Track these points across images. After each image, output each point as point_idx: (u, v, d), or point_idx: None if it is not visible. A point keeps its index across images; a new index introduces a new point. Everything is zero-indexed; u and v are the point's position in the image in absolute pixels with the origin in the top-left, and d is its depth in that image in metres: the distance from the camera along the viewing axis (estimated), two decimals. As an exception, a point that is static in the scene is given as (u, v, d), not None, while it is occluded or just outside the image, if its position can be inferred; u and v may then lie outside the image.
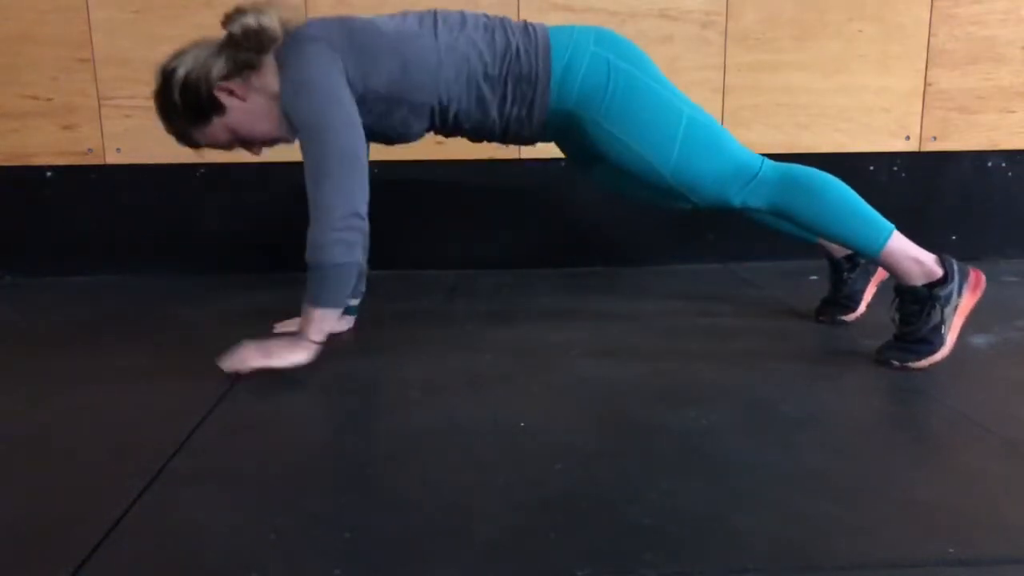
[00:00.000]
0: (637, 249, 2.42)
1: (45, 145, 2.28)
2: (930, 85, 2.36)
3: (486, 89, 1.47)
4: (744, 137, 2.32)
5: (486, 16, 1.51)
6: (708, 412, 1.24)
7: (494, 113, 1.50)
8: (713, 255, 2.44)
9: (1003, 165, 2.42)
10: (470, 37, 1.46)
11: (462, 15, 1.50)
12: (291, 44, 1.40)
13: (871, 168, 2.39)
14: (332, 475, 1.05)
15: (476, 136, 1.57)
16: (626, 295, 2.06)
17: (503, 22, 1.51)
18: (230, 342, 1.66)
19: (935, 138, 2.39)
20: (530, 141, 1.60)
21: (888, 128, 2.38)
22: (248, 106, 1.44)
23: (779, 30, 2.31)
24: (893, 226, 1.45)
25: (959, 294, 1.42)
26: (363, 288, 1.75)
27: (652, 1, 2.28)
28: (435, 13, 1.49)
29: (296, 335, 1.42)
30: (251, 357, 1.40)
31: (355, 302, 1.73)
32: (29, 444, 1.17)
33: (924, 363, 1.42)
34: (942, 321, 1.41)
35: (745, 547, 0.86)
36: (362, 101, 1.42)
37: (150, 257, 2.36)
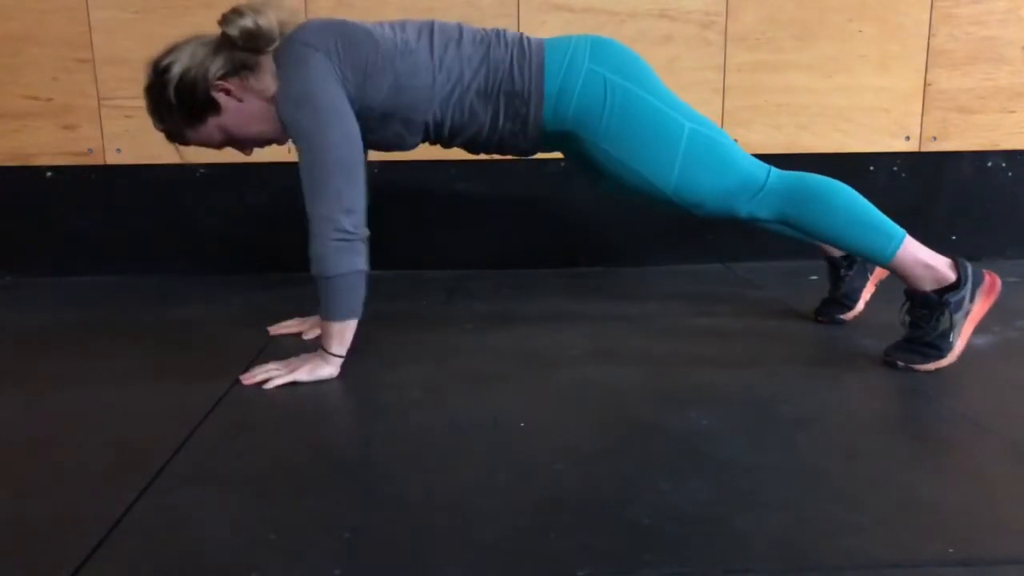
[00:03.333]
0: (637, 249, 2.42)
1: (45, 145, 2.28)
2: (930, 85, 2.36)
3: (478, 105, 1.46)
4: (744, 137, 2.33)
5: (483, 30, 1.50)
6: (708, 412, 1.24)
7: (487, 128, 1.49)
8: (713, 255, 2.43)
9: (1003, 165, 2.42)
10: (464, 53, 1.44)
11: (459, 29, 1.48)
12: (290, 51, 1.39)
13: (871, 168, 2.39)
14: (332, 475, 1.05)
15: (472, 148, 1.56)
16: (626, 295, 2.06)
17: (499, 36, 1.49)
18: (230, 342, 1.66)
19: (935, 138, 2.39)
20: (526, 153, 1.58)
21: (888, 128, 2.37)
22: (244, 107, 1.43)
23: (779, 30, 2.31)
24: (904, 232, 1.43)
25: (971, 300, 1.41)
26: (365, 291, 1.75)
27: (652, 1, 2.28)
28: (432, 26, 1.47)
29: (317, 351, 1.42)
30: (276, 374, 1.40)
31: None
32: (29, 444, 1.17)
33: (930, 366, 1.41)
34: (951, 327, 1.40)
35: (745, 547, 0.86)
36: (358, 115, 1.41)
37: (150, 257, 2.36)
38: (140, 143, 2.27)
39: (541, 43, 1.49)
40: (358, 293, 1.40)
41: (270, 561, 0.84)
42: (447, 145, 1.56)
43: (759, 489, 0.99)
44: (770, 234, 1.76)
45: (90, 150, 2.29)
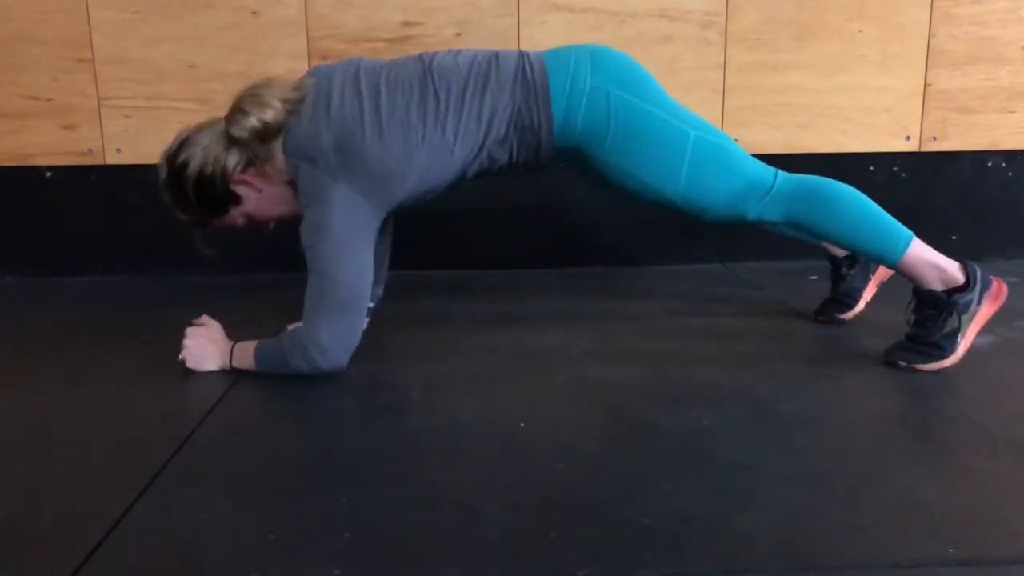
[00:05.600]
0: (637, 249, 2.42)
1: (45, 145, 2.28)
2: (930, 85, 2.36)
3: (497, 151, 1.49)
4: (744, 137, 2.33)
5: (481, 63, 1.46)
6: (708, 412, 1.24)
7: (503, 162, 1.52)
8: (713, 255, 2.43)
9: (1003, 165, 2.42)
10: (472, 110, 1.43)
11: (458, 71, 1.43)
12: (312, 178, 1.38)
13: (871, 168, 2.39)
14: (332, 475, 1.05)
15: (492, 176, 1.59)
16: (626, 295, 2.06)
17: (499, 66, 1.45)
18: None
19: (935, 138, 2.39)
20: (541, 169, 1.60)
21: (888, 128, 2.37)
22: (264, 195, 1.46)
23: (779, 30, 2.31)
24: (912, 233, 1.43)
25: (979, 303, 1.41)
26: (380, 293, 1.76)
27: (652, 1, 2.28)
28: (433, 87, 1.42)
29: (228, 347, 1.47)
30: (187, 352, 1.47)
31: (370, 305, 1.73)
32: (29, 444, 1.17)
33: (932, 366, 1.41)
34: (959, 328, 1.40)
35: (745, 547, 0.86)
36: (391, 209, 1.47)
37: (150, 257, 2.36)
38: (140, 143, 2.27)
39: (542, 62, 1.47)
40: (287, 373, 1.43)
41: (270, 561, 0.84)
42: (472, 181, 1.58)
43: (759, 489, 0.99)
44: (770, 234, 1.76)
45: (90, 150, 2.29)
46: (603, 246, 2.42)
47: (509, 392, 1.36)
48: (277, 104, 1.39)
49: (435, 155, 1.43)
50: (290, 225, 1.53)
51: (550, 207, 2.38)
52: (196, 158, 1.40)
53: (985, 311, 1.43)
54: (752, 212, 1.48)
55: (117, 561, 0.85)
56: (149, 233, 2.35)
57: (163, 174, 1.44)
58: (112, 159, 2.29)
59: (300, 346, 1.38)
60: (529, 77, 1.45)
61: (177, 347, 1.48)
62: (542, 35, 2.26)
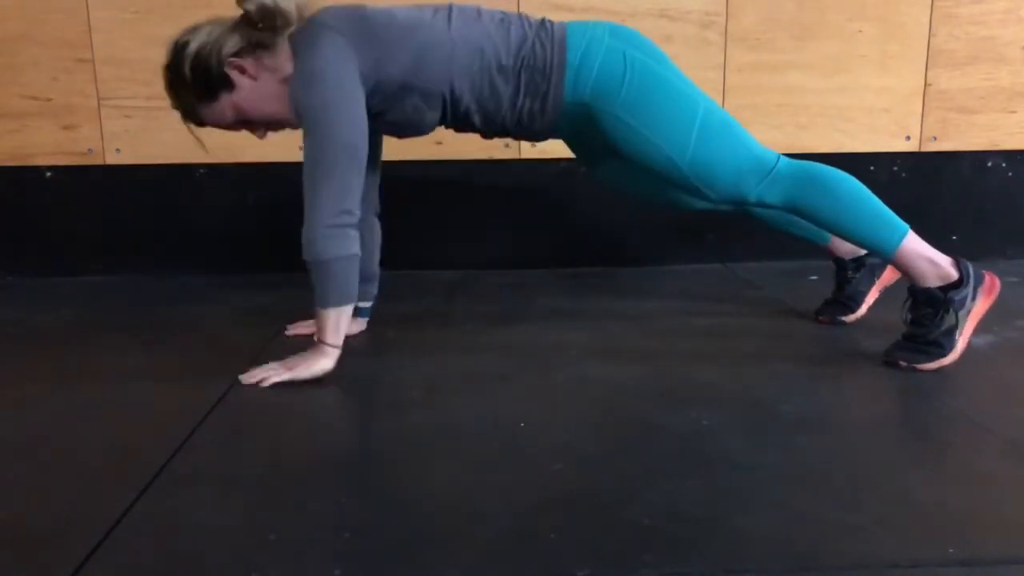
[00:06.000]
0: (637, 249, 2.42)
1: (45, 145, 2.28)
2: (930, 85, 2.36)
3: (499, 81, 1.46)
4: (744, 137, 2.32)
5: (503, 12, 1.51)
6: (708, 412, 1.24)
7: (506, 106, 1.48)
8: (713, 255, 2.43)
9: (1003, 165, 2.42)
10: (485, 28, 1.45)
11: (477, 9, 1.49)
12: (305, 31, 1.40)
13: (871, 168, 2.39)
14: (332, 475, 1.05)
15: (487, 130, 1.55)
16: (626, 295, 2.06)
17: (520, 17, 1.50)
18: (230, 342, 1.66)
19: (935, 138, 2.39)
20: (540, 136, 1.58)
21: (888, 128, 2.37)
22: (258, 85, 1.43)
23: (779, 30, 2.31)
24: (908, 226, 1.44)
25: (973, 298, 1.41)
26: (375, 291, 1.74)
27: (652, 1, 2.28)
28: (451, 6, 1.48)
29: (314, 345, 1.41)
30: (273, 373, 1.39)
31: (367, 304, 1.72)
32: (29, 444, 1.17)
33: (933, 365, 1.41)
34: (956, 325, 1.40)
35: (745, 547, 0.86)
36: (375, 89, 1.41)
37: (150, 257, 2.36)
38: (140, 143, 2.27)
39: (563, 23, 1.50)
40: (351, 278, 1.39)
41: (270, 561, 0.84)
42: (463, 127, 1.55)
43: (760, 489, 0.99)
44: (770, 234, 1.76)
45: (90, 150, 2.29)
46: (603, 246, 2.42)
47: (509, 392, 1.36)
48: (291, 0, 1.40)
49: (435, 41, 1.42)
50: (280, 130, 1.51)
51: (550, 207, 2.38)
52: (198, 39, 1.40)
53: (980, 306, 1.43)
54: (753, 193, 1.48)
55: (117, 561, 0.85)
56: (149, 233, 2.35)
57: (166, 58, 1.43)
58: (112, 159, 2.29)
59: (313, 220, 1.34)
60: (548, 27, 1.48)
61: (173, 349, 1.48)
62: (542, 35, 2.26)
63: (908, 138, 2.38)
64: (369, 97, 1.41)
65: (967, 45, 2.34)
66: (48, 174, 2.30)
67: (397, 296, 2.03)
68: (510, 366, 1.49)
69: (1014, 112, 2.38)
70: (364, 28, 1.40)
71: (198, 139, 1.51)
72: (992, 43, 2.34)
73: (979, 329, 1.46)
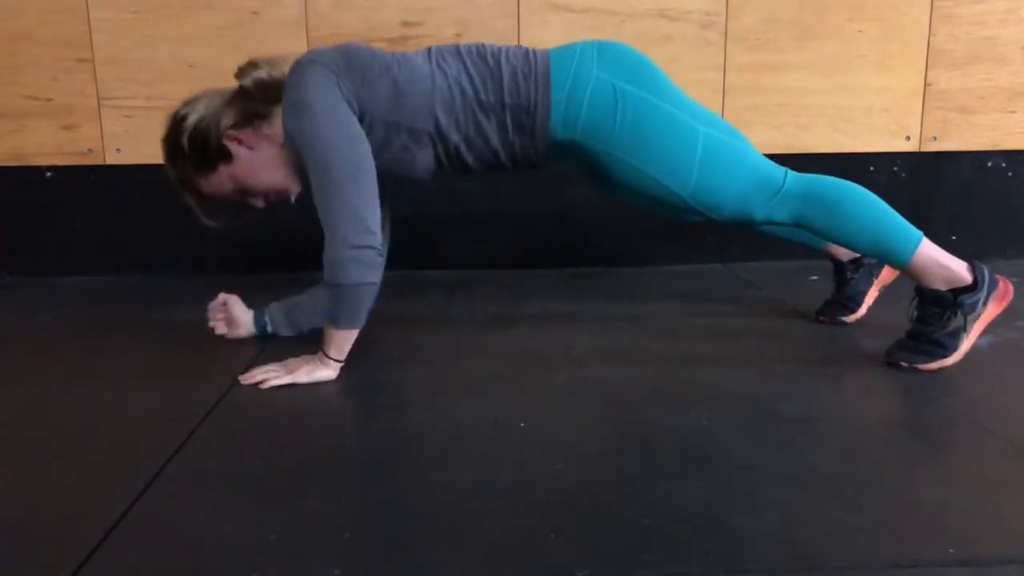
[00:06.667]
0: (637, 249, 2.42)
1: (45, 145, 2.28)
2: (930, 85, 2.36)
3: (483, 118, 1.45)
4: (744, 137, 2.32)
5: (484, 46, 1.49)
6: (708, 412, 1.24)
7: (495, 142, 1.47)
8: (713, 255, 2.43)
9: (1003, 165, 2.42)
10: (463, 64, 1.45)
11: (457, 46, 1.49)
12: (290, 72, 1.41)
13: (871, 168, 2.39)
14: (332, 475, 1.05)
15: (485, 168, 1.53)
16: (626, 296, 2.06)
17: (502, 49, 1.48)
18: (230, 343, 1.66)
19: (935, 138, 2.39)
20: (542, 166, 1.56)
21: (888, 128, 2.37)
22: (256, 155, 1.45)
23: (779, 30, 2.31)
24: (921, 233, 1.42)
25: (985, 304, 1.41)
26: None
27: (652, 1, 2.28)
28: (431, 47, 1.49)
29: (317, 354, 1.41)
30: (274, 375, 1.39)
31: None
32: (29, 444, 1.17)
33: (934, 365, 1.41)
34: (963, 327, 1.39)
35: (745, 547, 0.86)
36: (361, 124, 1.41)
37: (150, 257, 2.36)
38: (140, 143, 2.27)
39: (546, 53, 1.48)
40: (365, 304, 1.40)
41: (270, 561, 0.84)
42: (461, 170, 1.53)
43: (759, 489, 0.99)
44: (771, 235, 1.76)
45: (90, 150, 2.29)
46: (603, 246, 2.42)
47: (509, 392, 1.36)
48: (287, 69, 1.42)
49: (416, 76, 1.42)
50: (281, 201, 1.51)
51: (550, 207, 2.38)
52: (196, 112, 1.42)
53: (990, 312, 1.43)
54: (761, 212, 1.47)
55: (117, 561, 0.85)
56: (149, 233, 2.35)
57: (165, 131, 1.45)
58: (112, 159, 2.29)
59: (333, 244, 1.33)
60: (530, 59, 1.46)
61: (173, 349, 1.48)
62: (542, 35, 2.26)
63: (908, 138, 2.38)
64: None
65: (967, 45, 2.34)
66: (48, 174, 2.30)
67: (397, 296, 2.02)
68: (510, 366, 1.48)
69: (1014, 112, 2.38)
70: (346, 62, 1.40)
71: (197, 212, 1.52)
72: (992, 43, 2.34)
73: (983, 330, 1.46)
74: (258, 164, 1.45)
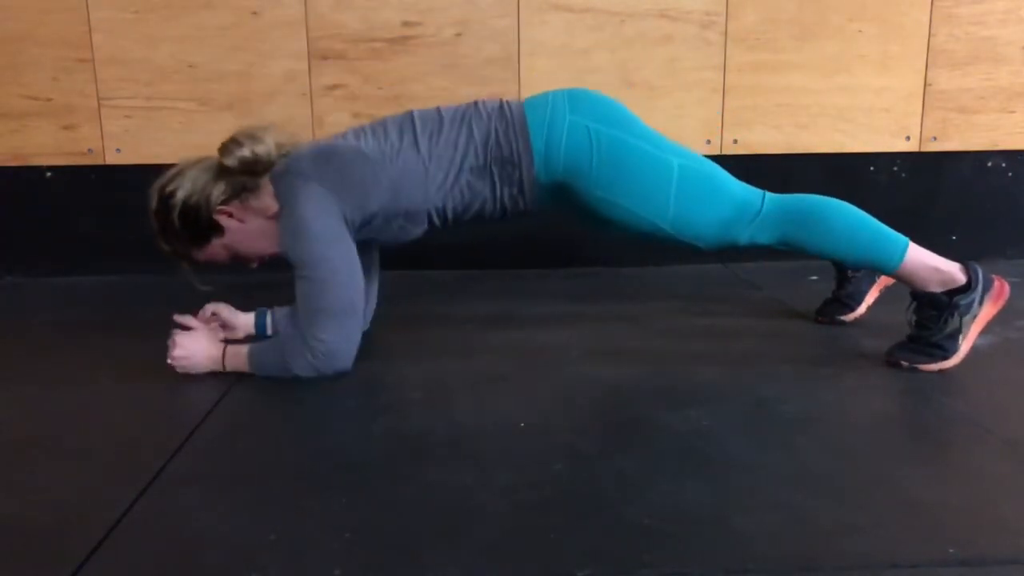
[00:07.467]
0: (637, 249, 2.41)
1: (45, 145, 2.28)
2: (930, 85, 2.36)
3: (475, 181, 1.49)
4: (744, 137, 2.33)
5: (462, 107, 1.52)
6: (708, 412, 1.24)
7: (487, 199, 1.51)
8: (713, 255, 2.42)
9: (1003, 165, 2.42)
10: (449, 138, 1.47)
11: (438, 113, 1.51)
12: (285, 180, 1.42)
13: (871, 168, 2.39)
14: (332, 475, 1.05)
15: (479, 222, 1.58)
16: (626, 296, 2.06)
17: (478, 108, 1.51)
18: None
19: (935, 138, 2.39)
20: (533, 210, 1.59)
21: (888, 128, 2.37)
22: (246, 227, 1.48)
23: (779, 30, 2.31)
24: (907, 239, 1.44)
25: (980, 303, 1.41)
26: (370, 315, 1.74)
27: (652, 1, 2.28)
28: (412, 119, 1.50)
29: (227, 353, 1.44)
30: (180, 355, 1.43)
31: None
32: (29, 444, 1.17)
33: (934, 367, 1.41)
34: (959, 329, 1.40)
35: (745, 547, 0.86)
36: (360, 226, 1.46)
37: (150, 257, 2.34)
38: (140, 143, 2.27)
39: (521, 105, 1.52)
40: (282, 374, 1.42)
41: (270, 561, 0.84)
42: (456, 226, 1.57)
43: (759, 489, 0.99)
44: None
45: (90, 150, 2.29)
46: (603, 246, 2.42)
47: (509, 392, 1.36)
48: (270, 141, 1.45)
49: (408, 168, 1.45)
50: (274, 263, 1.54)
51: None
52: (184, 188, 1.43)
53: (987, 312, 1.43)
54: (744, 236, 1.50)
55: (117, 561, 0.85)
56: (149, 233, 2.34)
57: (152, 203, 1.47)
58: (112, 159, 2.29)
59: (303, 350, 1.38)
60: (507, 113, 1.50)
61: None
62: (542, 35, 2.26)
63: (908, 138, 2.38)
64: (355, 232, 1.45)
65: (967, 45, 2.34)
66: (48, 174, 2.30)
67: (397, 296, 2.02)
68: (510, 366, 1.49)
69: (1014, 112, 2.38)
70: (339, 173, 1.42)
71: (191, 279, 1.55)
72: (992, 43, 2.34)
73: (981, 330, 1.46)
74: (249, 235, 1.49)
